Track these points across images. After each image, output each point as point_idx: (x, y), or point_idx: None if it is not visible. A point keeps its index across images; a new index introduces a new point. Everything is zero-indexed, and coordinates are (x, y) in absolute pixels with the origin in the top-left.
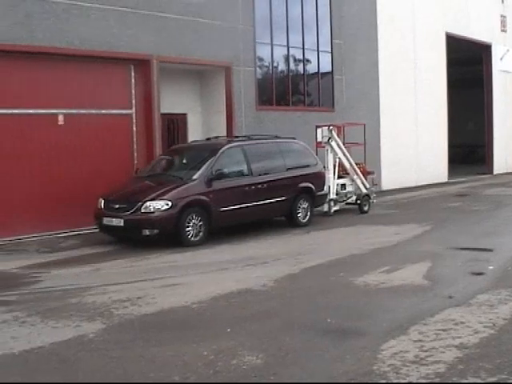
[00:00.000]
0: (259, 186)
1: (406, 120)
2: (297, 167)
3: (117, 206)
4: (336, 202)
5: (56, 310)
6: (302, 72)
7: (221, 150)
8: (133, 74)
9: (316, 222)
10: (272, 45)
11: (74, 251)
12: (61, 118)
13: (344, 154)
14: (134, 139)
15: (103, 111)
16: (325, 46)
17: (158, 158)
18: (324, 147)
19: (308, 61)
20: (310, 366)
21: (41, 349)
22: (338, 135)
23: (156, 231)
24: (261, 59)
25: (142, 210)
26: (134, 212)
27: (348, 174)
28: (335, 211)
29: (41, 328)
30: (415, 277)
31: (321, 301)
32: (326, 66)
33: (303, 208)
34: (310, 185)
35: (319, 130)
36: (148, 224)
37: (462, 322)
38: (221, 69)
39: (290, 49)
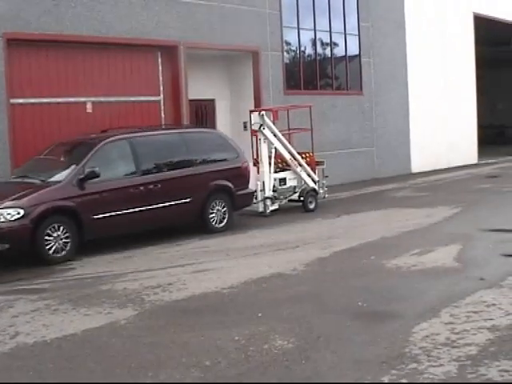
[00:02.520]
0: (151, 186)
1: (434, 102)
2: (208, 162)
3: None
4: (274, 200)
5: (88, 297)
6: (329, 56)
7: (98, 146)
8: (160, 60)
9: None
10: (299, 29)
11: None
12: (89, 106)
13: (282, 143)
14: (163, 126)
15: (131, 98)
16: (352, 29)
17: (37, 156)
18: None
19: (335, 44)
20: (342, 349)
21: (73, 336)
22: (273, 121)
23: (6, 246)
24: (288, 43)
25: None
26: None
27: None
28: (274, 211)
29: (73, 315)
30: (447, 259)
31: (352, 284)
32: (353, 50)
33: (218, 211)
34: (227, 183)
35: (252, 116)
36: None
37: (494, 304)
38: (248, 54)
39: (317, 32)
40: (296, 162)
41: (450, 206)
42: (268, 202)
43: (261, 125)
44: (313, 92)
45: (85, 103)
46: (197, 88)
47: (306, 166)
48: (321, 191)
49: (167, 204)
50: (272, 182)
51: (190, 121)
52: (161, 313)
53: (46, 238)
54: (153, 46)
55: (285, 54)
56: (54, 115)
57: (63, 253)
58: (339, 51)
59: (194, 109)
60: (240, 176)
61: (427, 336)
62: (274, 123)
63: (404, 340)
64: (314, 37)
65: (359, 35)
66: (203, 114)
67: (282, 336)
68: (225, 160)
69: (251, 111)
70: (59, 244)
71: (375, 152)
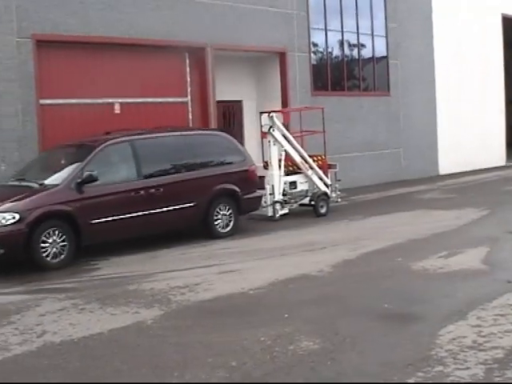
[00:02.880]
0: (152, 190)
1: (462, 103)
2: (213, 165)
3: None
4: (284, 203)
5: (114, 296)
6: (356, 57)
7: (97, 149)
8: (188, 62)
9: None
10: (326, 30)
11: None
12: (117, 107)
13: (293, 146)
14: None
15: (159, 99)
16: (379, 30)
17: (37, 157)
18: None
19: (363, 45)
20: (368, 351)
21: (100, 335)
22: (284, 123)
23: (1, 251)
24: (315, 45)
25: None
26: None
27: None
28: (283, 215)
29: (99, 315)
30: (474, 261)
31: (379, 286)
32: (380, 51)
33: (224, 215)
34: (233, 186)
35: (262, 117)
36: None
37: None
38: (275, 55)
39: (345, 34)
40: (307, 165)
41: (477, 208)
42: (277, 206)
43: (270, 126)
44: (340, 93)
45: (113, 104)
46: (224, 89)
47: (317, 169)
48: (333, 195)
49: (170, 208)
50: (282, 185)
51: (218, 122)
52: (187, 313)
53: (42, 243)
54: (180, 47)
55: (312, 55)
56: (83, 116)
57: (60, 258)
58: (366, 52)
59: (222, 110)
60: (247, 180)
61: (453, 339)
62: (284, 125)
63: (430, 342)
64: (341, 38)
65: (386, 36)
66: (230, 115)
67: (307, 337)
68: (231, 163)
69: (261, 113)
70: (56, 249)
71: (402, 153)
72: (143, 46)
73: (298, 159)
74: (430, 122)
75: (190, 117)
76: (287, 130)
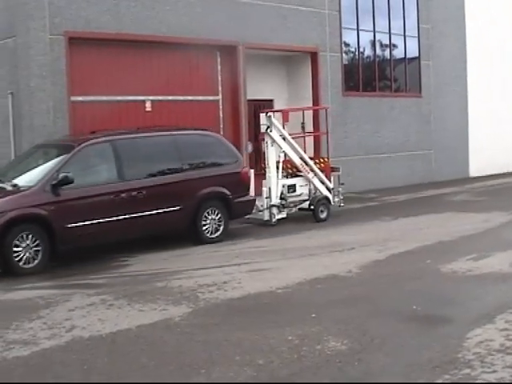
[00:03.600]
0: (134, 193)
1: (494, 105)
2: (202, 167)
3: None
4: (281, 207)
5: (143, 293)
6: (388, 57)
7: (75, 149)
8: (219, 60)
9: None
10: (358, 30)
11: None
12: (148, 105)
13: (292, 147)
14: (221, 126)
15: (190, 98)
16: (412, 30)
17: (18, 156)
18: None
19: (395, 46)
20: (395, 352)
21: (128, 331)
22: (284, 123)
23: None
24: (347, 45)
25: None
26: None
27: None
28: (281, 219)
29: (127, 311)
30: (503, 265)
31: (407, 287)
32: (413, 51)
33: (213, 219)
34: (223, 189)
35: (260, 117)
36: None
37: None
38: (307, 54)
39: (376, 34)
40: (308, 168)
41: (507, 211)
42: (274, 210)
43: (268, 127)
44: (371, 94)
45: (144, 102)
46: (255, 88)
47: (319, 172)
48: (336, 199)
49: (153, 212)
50: (280, 188)
51: (249, 121)
52: (215, 311)
53: (15, 247)
54: (212, 45)
55: (344, 55)
56: (114, 113)
57: (33, 264)
58: (398, 53)
59: (253, 109)
60: (238, 182)
61: (481, 342)
62: (283, 125)
63: (457, 345)
64: (373, 38)
65: (419, 37)
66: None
67: (335, 337)
68: (222, 165)
69: (260, 112)
70: (29, 254)
71: (433, 155)
72: (175, 43)
73: (297, 161)
74: (461, 123)
75: (221, 115)
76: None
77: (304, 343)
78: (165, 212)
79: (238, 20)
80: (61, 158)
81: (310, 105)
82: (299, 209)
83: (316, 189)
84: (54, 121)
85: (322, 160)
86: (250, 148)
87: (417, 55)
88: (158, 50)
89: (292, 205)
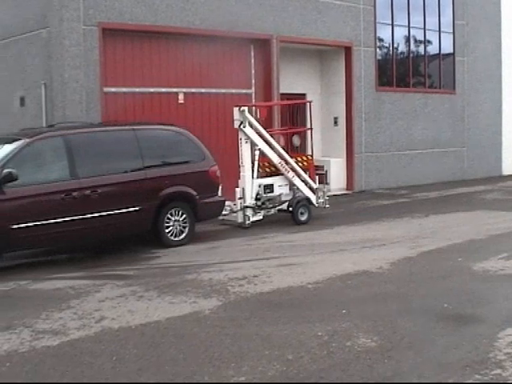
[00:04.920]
0: (87, 192)
1: None
2: (165, 165)
3: None
4: (257, 209)
5: (173, 285)
6: (422, 53)
7: (24, 143)
8: (253, 53)
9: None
10: (393, 25)
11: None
12: (181, 97)
13: (269, 144)
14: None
15: (223, 90)
16: (447, 26)
17: None
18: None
19: (429, 42)
20: (425, 351)
21: (157, 323)
22: (260, 118)
23: None
24: (381, 40)
25: None
26: None
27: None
28: (256, 222)
29: (157, 303)
30: None
31: (438, 285)
32: (447, 48)
33: (177, 221)
34: (188, 189)
35: (234, 112)
36: None
37: None
38: (341, 49)
39: (411, 29)
40: (287, 167)
41: None
42: (248, 212)
43: (241, 122)
44: (405, 89)
45: (177, 94)
46: (288, 82)
47: (300, 171)
48: (320, 200)
49: (109, 213)
50: (255, 188)
51: (281, 115)
52: (245, 305)
53: None
54: (246, 38)
55: (378, 50)
56: (146, 105)
57: None
58: (433, 49)
59: None
60: (206, 182)
61: None
62: (259, 121)
63: (488, 345)
64: (407, 34)
65: (454, 33)
66: (294, 108)
67: (365, 334)
68: (187, 163)
69: (235, 106)
70: None
71: (466, 152)
72: (208, 36)
73: (275, 159)
74: (495, 121)
75: (254, 109)
76: (262, 125)
77: (334, 339)
78: (122, 213)
79: (272, 13)
80: (6, 152)
81: (344, 100)
82: (278, 210)
83: (297, 189)
84: (86, 112)
85: (305, 158)
86: (282, 142)
87: (451, 51)
88: (192, 42)
89: (271, 206)
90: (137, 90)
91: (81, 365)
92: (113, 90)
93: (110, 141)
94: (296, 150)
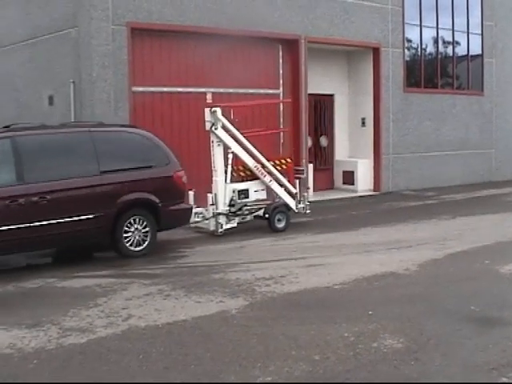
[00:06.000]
0: (35, 198)
1: None
2: (125, 169)
3: None
4: (231, 216)
5: (200, 285)
6: (450, 54)
7: None
8: (281, 53)
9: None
10: (421, 26)
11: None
12: (209, 97)
13: (244, 147)
14: (281, 119)
15: (251, 90)
16: (475, 28)
17: None
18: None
19: (457, 43)
20: (452, 353)
21: (184, 322)
22: (232, 120)
23: None
24: (409, 41)
25: None
26: None
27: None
28: (230, 229)
29: (184, 302)
30: None
31: (465, 287)
32: (475, 49)
33: (137, 230)
34: (150, 195)
35: (205, 112)
36: None
37: None
38: (369, 50)
39: (439, 30)
40: (264, 171)
41: None
42: (221, 219)
43: (212, 124)
44: (433, 91)
45: (205, 93)
46: (316, 82)
47: (278, 175)
48: (300, 205)
49: (59, 221)
50: (228, 194)
51: (309, 115)
52: (272, 305)
53: None
54: (274, 39)
55: (406, 51)
56: (174, 104)
57: None
58: (461, 50)
59: (313, 103)
60: (170, 188)
61: None
62: (232, 122)
63: None
64: (435, 35)
65: (482, 34)
66: (321, 108)
67: (391, 335)
68: (149, 167)
69: (206, 107)
70: None
71: (494, 154)
72: (236, 36)
73: (250, 163)
74: None
75: (281, 109)
76: (236, 127)
77: (360, 340)
78: (74, 221)
79: (300, 14)
80: None
81: (371, 100)
82: (254, 217)
83: (275, 194)
84: (114, 110)
85: (283, 161)
86: (309, 142)
87: (479, 53)
88: (220, 42)
89: (247, 212)
90: (165, 89)
91: (108, 363)
92: (141, 89)
93: (64, 143)
94: (323, 150)
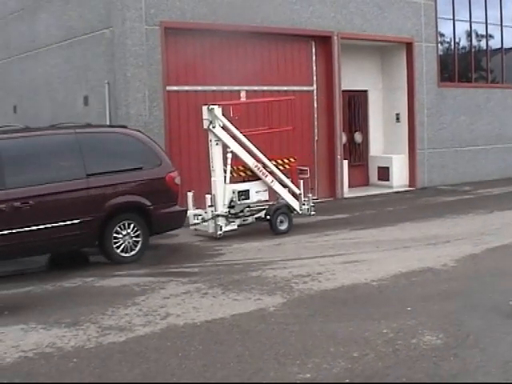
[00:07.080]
0: (17, 203)
1: None
2: (114, 172)
3: None
4: (231, 217)
5: (237, 282)
6: (484, 48)
7: None
8: (314, 50)
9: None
10: (454, 20)
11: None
12: (243, 95)
13: (244, 146)
14: (315, 116)
15: (284, 88)
16: (509, 20)
17: None
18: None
19: (491, 36)
20: (491, 349)
21: (222, 320)
22: (232, 118)
23: None
24: (442, 35)
25: None
26: None
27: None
28: (229, 231)
29: (222, 300)
30: None
31: (503, 283)
32: (509, 42)
33: (128, 235)
34: (140, 198)
35: (203, 110)
36: None
37: None
38: (402, 45)
39: (473, 24)
40: (265, 171)
41: None
42: (220, 221)
43: (210, 122)
44: (467, 85)
45: (239, 92)
46: (349, 78)
47: (281, 175)
48: (304, 207)
49: (44, 227)
50: (228, 195)
51: (343, 112)
52: (309, 302)
53: None
54: (307, 35)
55: (439, 45)
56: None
57: None
58: (495, 43)
59: (347, 99)
60: (162, 190)
61: None
62: (231, 120)
63: None
64: (469, 28)
65: None
66: (355, 105)
67: (430, 331)
68: (140, 169)
69: (203, 105)
70: None
71: None
72: (269, 33)
73: (250, 163)
74: None
75: (315, 105)
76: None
77: (399, 337)
78: (59, 227)
79: (333, 10)
80: None
81: (405, 96)
82: (256, 219)
83: (278, 195)
84: (149, 110)
85: (286, 161)
86: (344, 139)
87: None
88: (253, 39)
89: (248, 213)
90: (199, 88)
91: (147, 361)
92: (175, 88)
93: (48, 146)
94: (358, 146)
